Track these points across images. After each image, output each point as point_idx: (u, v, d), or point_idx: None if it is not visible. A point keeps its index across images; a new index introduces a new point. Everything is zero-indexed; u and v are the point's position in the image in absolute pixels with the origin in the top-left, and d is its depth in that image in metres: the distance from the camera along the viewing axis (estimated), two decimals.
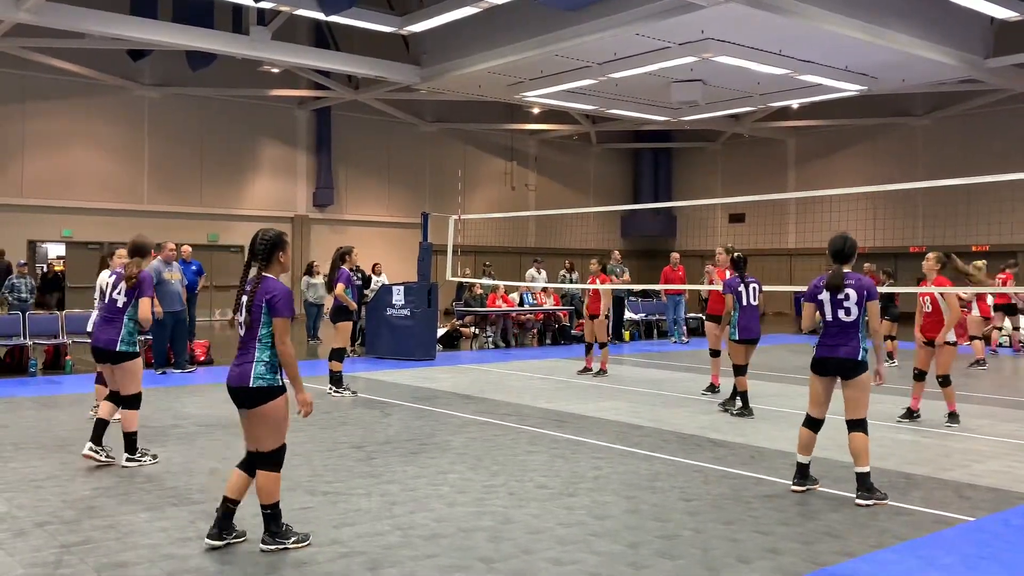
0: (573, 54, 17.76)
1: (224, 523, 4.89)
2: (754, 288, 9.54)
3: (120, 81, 22.84)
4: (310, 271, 17.68)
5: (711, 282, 11.08)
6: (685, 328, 20.13)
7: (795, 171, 30.43)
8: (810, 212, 27.85)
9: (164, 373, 12.43)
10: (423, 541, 5.02)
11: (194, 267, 14.17)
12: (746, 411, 9.43)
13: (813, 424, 6.25)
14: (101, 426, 6.85)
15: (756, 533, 5.23)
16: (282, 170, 26.28)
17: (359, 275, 14.90)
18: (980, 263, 14.74)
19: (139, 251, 7.05)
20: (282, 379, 4.85)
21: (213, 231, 24.81)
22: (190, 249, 14.38)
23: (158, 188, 23.94)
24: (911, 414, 9.14)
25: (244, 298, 4.83)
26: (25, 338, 13.01)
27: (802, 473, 6.26)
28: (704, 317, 11.42)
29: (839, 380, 6.13)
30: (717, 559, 4.77)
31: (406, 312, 15.03)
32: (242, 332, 4.86)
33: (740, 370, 9.58)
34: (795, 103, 23.38)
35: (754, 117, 27.30)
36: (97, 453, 6.81)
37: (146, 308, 6.93)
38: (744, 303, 9.48)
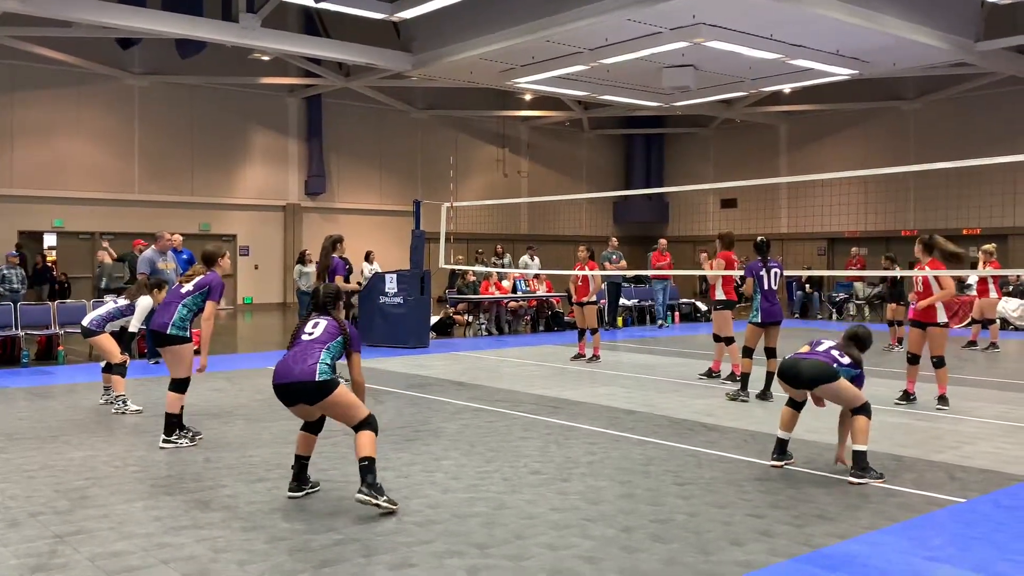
0: (564, 40, 17.70)
1: (300, 476, 5.64)
2: (776, 272, 9.55)
3: (109, 70, 22.71)
4: (302, 259, 17.64)
5: (711, 267, 11.05)
6: (677, 313, 20.23)
7: (787, 156, 30.44)
8: (802, 196, 27.90)
9: (157, 363, 12.41)
10: (417, 527, 5.03)
11: (185, 256, 14.14)
12: (743, 394, 9.45)
13: (795, 403, 6.42)
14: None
15: (749, 516, 5.25)
16: (273, 158, 26.19)
17: (346, 263, 14.87)
18: (990, 247, 14.78)
19: (208, 259, 7.55)
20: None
21: (205, 220, 24.74)
22: (180, 238, 14.34)
23: (149, 177, 23.84)
24: (908, 397, 9.18)
25: (323, 322, 5.57)
26: (17, 329, 12.98)
27: (781, 448, 6.43)
28: (714, 305, 11.36)
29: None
30: (710, 542, 4.79)
31: (399, 300, 15.03)
32: (307, 338, 5.47)
33: (745, 351, 9.57)
34: (787, 88, 23.35)
35: (746, 102, 27.27)
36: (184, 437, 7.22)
37: (211, 309, 7.28)
38: (765, 287, 9.48)
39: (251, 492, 5.77)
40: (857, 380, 6.20)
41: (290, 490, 5.63)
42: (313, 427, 5.63)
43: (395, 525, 5.07)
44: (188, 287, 7.33)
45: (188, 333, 7.23)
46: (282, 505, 5.49)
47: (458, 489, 5.84)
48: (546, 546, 4.72)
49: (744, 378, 9.54)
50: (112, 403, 8.75)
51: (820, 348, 6.33)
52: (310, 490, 5.68)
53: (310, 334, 5.51)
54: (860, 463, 6.01)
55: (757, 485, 5.95)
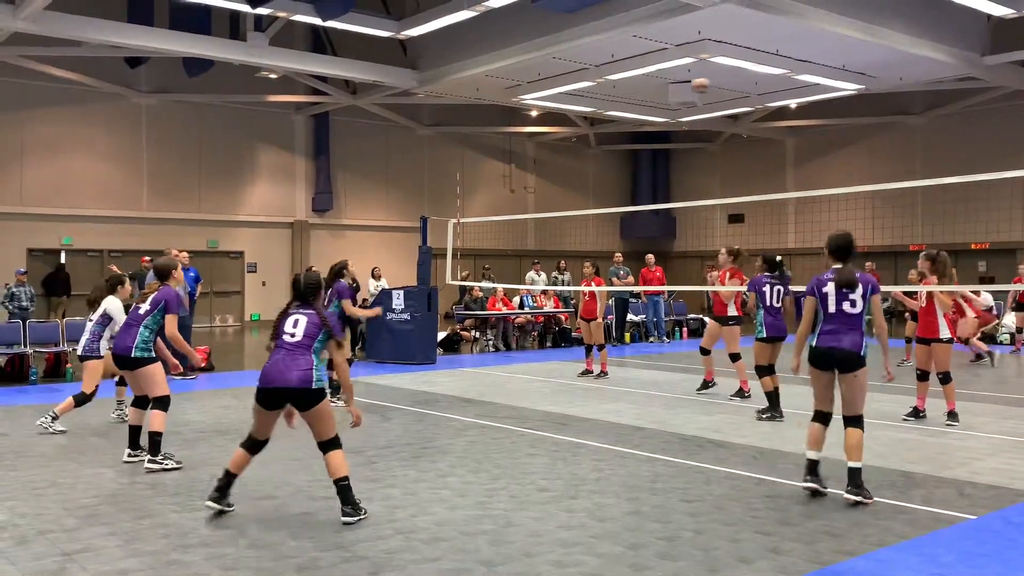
0: (570, 56, 17.78)
1: (224, 491, 5.62)
2: (778, 290, 9.48)
3: (117, 88, 22.86)
4: None
5: (712, 283, 11.06)
6: (685, 329, 20.23)
7: (793, 171, 30.45)
8: (809, 212, 27.86)
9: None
10: (424, 545, 5.02)
11: (192, 273, 14.19)
12: (775, 412, 9.18)
13: (823, 417, 6.18)
14: (135, 431, 7.26)
15: (757, 533, 5.23)
16: (281, 175, 26.29)
17: (354, 283, 14.86)
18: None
19: (161, 274, 7.39)
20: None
21: (213, 237, 24.82)
22: (187, 255, 14.38)
23: (157, 195, 23.95)
24: (917, 413, 9.12)
25: (303, 318, 5.59)
26: (25, 346, 13.02)
27: (812, 469, 6.07)
28: (709, 318, 11.39)
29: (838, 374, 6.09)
30: (718, 559, 4.78)
31: (406, 316, 15.04)
32: (291, 340, 5.53)
33: (763, 370, 9.32)
34: (793, 103, 23.40)
35: (752, 117, 27.32)
36: (136, 456, 7.18)
37: (172, 324, 7.15)
38: (767, 303, 9.41)
39: (259, 510, 5.77)
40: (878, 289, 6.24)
41: (210, 498, 5.61)
42: (257, 447, 5.64)
43: (403, 543, 5.07)
44: (145, 307, 7.12)
45: (153, 353, 7.11)
46: (290, 523, 5.48)
47: (465, 506, 5.83)
48: (554, 563, 4.71)
49: (772, 395, 9.27)
50: (124, 418, 8.75)
51: (833, 305, 6.24)
52: (226, 508, 5.61)
53: (292, 335, 5.53)
54: (855, 480, 5.88)
55: (766, 502, 5.92)
